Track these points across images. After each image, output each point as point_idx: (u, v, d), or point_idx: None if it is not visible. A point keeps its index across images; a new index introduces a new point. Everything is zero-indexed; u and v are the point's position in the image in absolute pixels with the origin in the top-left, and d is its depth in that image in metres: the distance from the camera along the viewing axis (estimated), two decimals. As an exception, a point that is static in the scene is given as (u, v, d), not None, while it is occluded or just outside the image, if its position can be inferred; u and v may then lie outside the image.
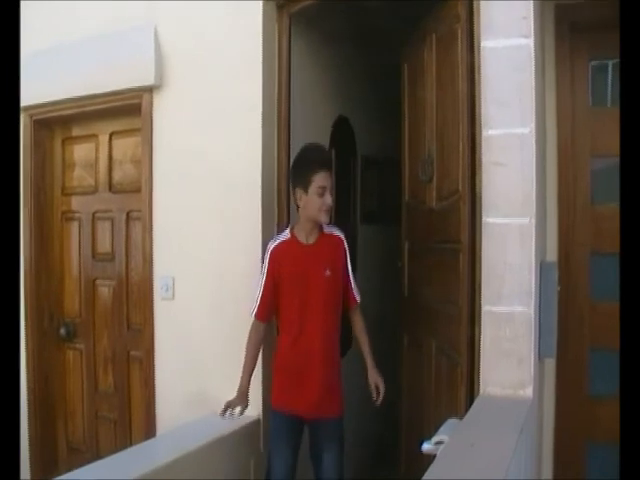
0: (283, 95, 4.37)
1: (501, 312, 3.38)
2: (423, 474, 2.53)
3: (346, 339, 5.39)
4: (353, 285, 3.98)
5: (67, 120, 5.30)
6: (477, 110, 3.50)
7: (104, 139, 5.21)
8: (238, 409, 3.86)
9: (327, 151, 4.01)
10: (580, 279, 4.19)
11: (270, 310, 3.81)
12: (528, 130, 3.39)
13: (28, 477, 5.28)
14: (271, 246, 3.80)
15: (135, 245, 5.00)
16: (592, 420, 4.20)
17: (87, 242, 5.36)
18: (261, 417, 4.14)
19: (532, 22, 3.32)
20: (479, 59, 3.45)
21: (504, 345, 3.39)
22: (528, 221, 3.37)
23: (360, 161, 5.97)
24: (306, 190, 3.69)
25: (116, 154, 5.17)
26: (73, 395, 5.47)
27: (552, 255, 4.09)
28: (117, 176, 5.17)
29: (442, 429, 3.33)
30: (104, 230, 5.27)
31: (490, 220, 3.41)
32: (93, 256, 5.33)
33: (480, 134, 3.47)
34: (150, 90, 4.58)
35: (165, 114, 4.56)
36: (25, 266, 5.27)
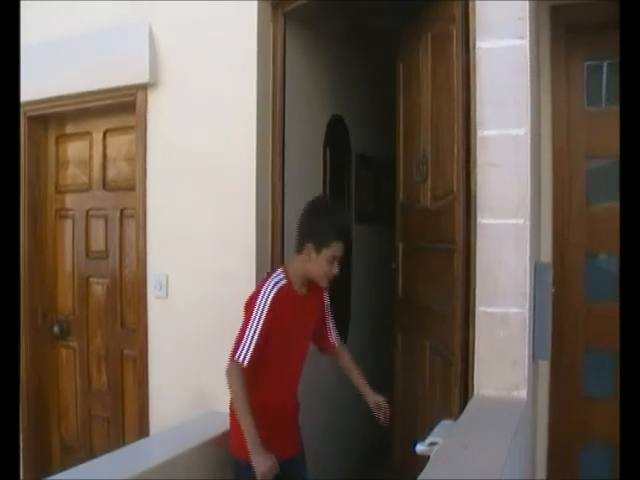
0: (278, 94, 4.36)
1: (495, 313, 3.38)
2: (417, 475, 2.54)
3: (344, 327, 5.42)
4: (333, 332, 3.90)
5: (61, 117, 5.30)
6: (472, 111, 3.49)
7: (98, 137, 5.20)
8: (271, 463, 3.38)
9: (349, 217, 3.77)
10: (575, 280, 4.19)
11: (256, 358, 3.47)
12: (523, 131, 3.39)
13: (21, 476, 5.27)
14: (271, 293, 3.51)
15: (129, 243, 4.99)
16: (586, 422, 4.21)
17: (81, 240, 5.35)
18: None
19: (528, 23, 3.32)
20: (474, 59, 3.44)
21: (498, 346, 3.38)
22: (523, 222, 3.37)
23: (355, 161, 5.96)
24: (318, 251, 3.50)
25: (110, 152, 5.16)
26: (66, 393, 5.47)
27: (547, 256, 4.10)
28: (111, 174, 5.16)
29: (436, 430, 3.33)
30: (98, 228, 5.26)
31: (485, 221, 3.40)
32: (87, 254, 5.32)
33: (475, 135, 3.47)
34: (144, 88, 4.57)
35: (159, 112, 4.55)
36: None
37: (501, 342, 3.38)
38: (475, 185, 3.45)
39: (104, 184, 5.20)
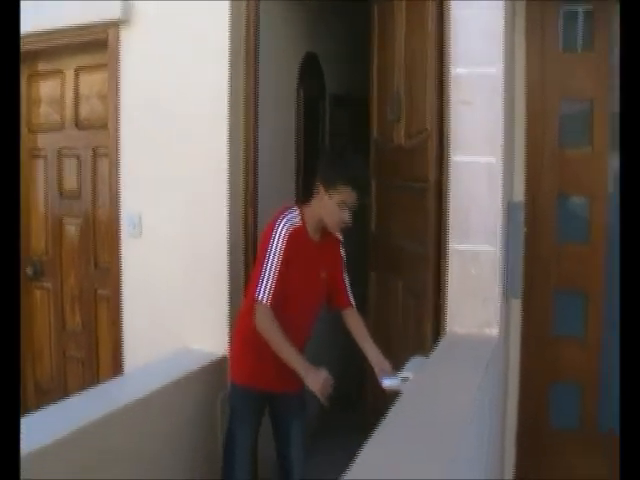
0: (251, 32, 4.30)
1: (467, 251, 3.41)
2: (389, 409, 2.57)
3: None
4: (348, 288, 3.83)
5: (33, 55, 5.18)
6: (446, 49, 3.49)
7: (70, 74, 5.12)
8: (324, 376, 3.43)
9: (363, 168, 3.69)
10: (546, 221, 4.21)
11: (277, 296, 3.47)
12: (496, 69, 3.39)
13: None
14: (285, 228, 3.48)
15: (102, 182, 4.93)
16: (556, 360, 4.26)
17: (53, 180, 5.29)
18: (227, 354, 4.11)
19: (504, -38, 3.31)
20: (448, -2, 3.43)
21: (470, 284, 3.42)
22: (495, 161, 3.39)
23: (329, 99, 5.93)
24: (329, 193, 3.48)
25: (83, 90, 5.08)
26: (40, 335, 5.45)
27: (519, 196, 4.11)
28: (84, 112, 5.09)
29: (407, 366, 3.37)
30: (71, 167, 5.20)
31: (457, 158, 3.42)
32: (60, 194, 5.27)
33: (448, 73, 3.46)
34: (117, 25, 4.49)
35: (132, 50, 4.48)
36: (-11, 205, 5.19)
37: (473, 279, 3.42)
38: (448, 123, 3.46)
39: (77, 123, 5.13)
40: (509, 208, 3.64)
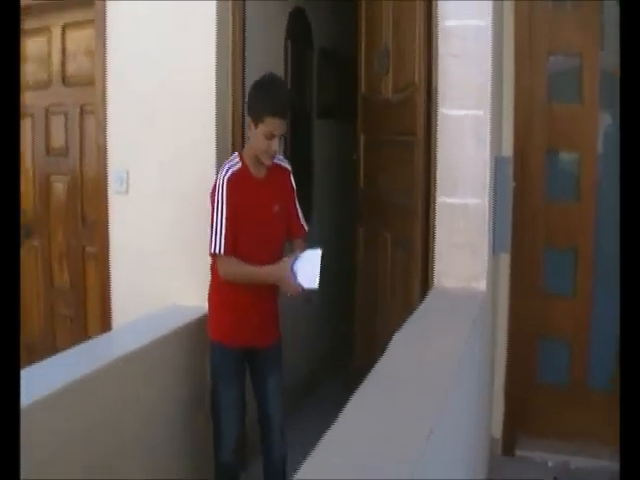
0: (238, -15, 4.27)
1: (455, 204, 3.41)
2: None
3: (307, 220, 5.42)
4: (300, 215, 3.79)
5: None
6: (434, 1, 3.46)
7: (57, 31, 5.08)
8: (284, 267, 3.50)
9: (287, 93, 3.66)
10: (535, 177, 4.23)
11: (233, 243, 3.49)
12: (484, 22, 3.38)
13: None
14: (225, 176, 3.52)
15: (89, 140, 4.90)
16: (544, 316, 4.29)
17: (40, 138, 5.26)
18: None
19: None
20: (436, -52, 3.41)
21: (458, 237, 3.42)
22: (483, 114, 3.38)
23: (317, 53, 5.89)
24: (255, 125, 3.46)
25: (70, 47, 5.04)
26: (29, 293, 5.42)
27: (508, 151, 4.10)
28: (71, 69, 5.05)
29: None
30: (58, 125, 5.16)
31: (445, 111, 3.41)
32: (47, 152, 5.25)
33: (436, 25, 3.44)
34: (103, -21, 4.45)
35: (119, 5, 4.44)
36: (-25, 164, 5.17)
37: (461, 233, 3.42)
38: (436, 76, 3.44)
39: (64, 80, 5.09)
40: (497, 162, 3.64)
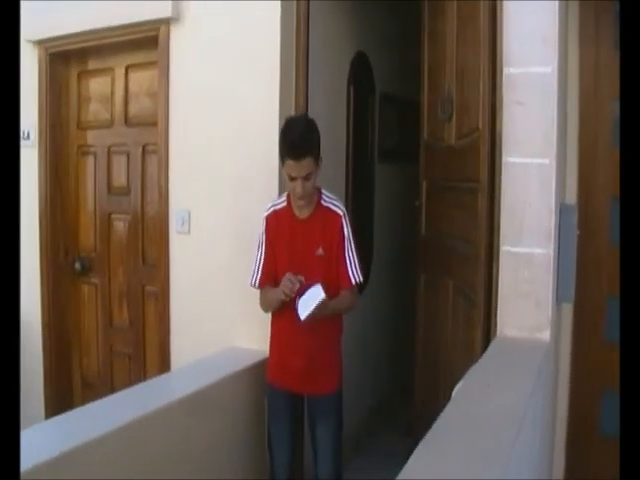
0: (302, 30, 4.28)
1: (520, 253, 3.36)
2: (439, 412, 2.54)
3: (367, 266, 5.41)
4: (350, 264, 3.64)
5: (83, 53, 5.25)
6: (499, 47, 3.44)
7: (120, 72, 5.16)
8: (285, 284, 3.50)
9: (306, 134, 3.55)
10: (600, 224, 4.15)
11: (272, 279, 3.62)
12: (550, 69, 3.35)
13: (42, 411, 5.33)
14: (266, 214, 3.68)
15: (151, 179, 4.97)
16: (608, 366, 4.19)
17: (102, 176, 5.33)
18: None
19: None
20: (502, -5, 3.39)
21: (522, 287, 3.37)
22: (549, 162, 3.34)
23: (379, 98, 5.91)
24: (284, 169, 3.53)
25: (132, 87, 5.12)
26: (88, 330, 5.50)
27: (572, 199, 4.05)
28: (133, 109, 5.13)
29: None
30: (120, 164, 5.23)
31: (510, 159, 3.38)
32: (108, 190, 5.31)
33: (501, 72, 3.42)
34: (167, 22, 4.51)
35: (182, 47, 4.50)
36: (40, 201, 5.27)
37: (525, 282, 3.37)
38: (501, 123, 3.42)
39: (126, 120, 5.17)
40: (562, 210, 3.59)
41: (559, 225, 3.53)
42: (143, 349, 5.13)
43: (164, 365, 4.65)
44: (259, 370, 3.94)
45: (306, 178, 3.47)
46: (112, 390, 4.75)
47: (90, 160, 5.40)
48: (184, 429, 3.45)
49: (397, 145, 6.29)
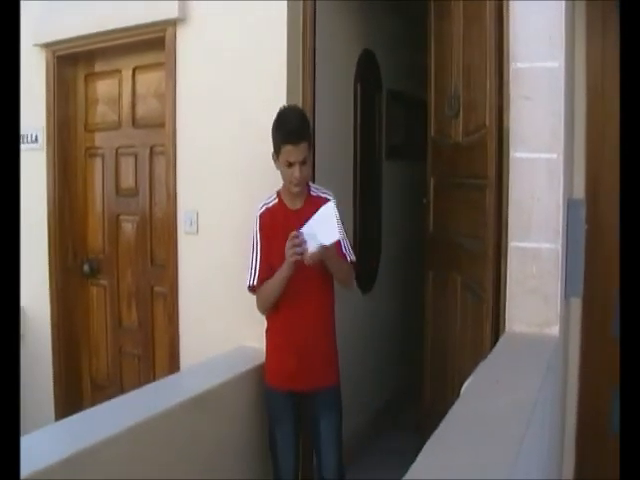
0: (308, 29, 4.28)
1: (528, 248, 3.36)
2: (448, 409, 2.54)
3: (368, 277, 5.41)
4: (343, 245, 3.63)
5: (90, 55, 5.27)
6: (505, 46, 3.44)
7: (127, 74, 5.17)
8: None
9: (301, 120, 3.65)
10: (608, 219, 4.13)
11: (270, 275, 3.59)
12: (557, 64, 3.34)
13: (52, 413, 5.34)
14: (259, 213, 3.70)
15: (159, 180, 4.97)
16: (617, 361, 4.18)
17: (110, 178, 5.34)
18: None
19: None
20: (508, -9, 3.39)
21: (530, 282, 3.37)
22: (556, 157, 3.33)
23: (385, 96, 5.92)
24: (277, 157, 3.58)
25: (139, 89, 5.13)
26: (97, 331, 5.51)
27: (580, 193, 4.04)
28: (140, 111, 5.14)
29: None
30: (127, 166, 5.24)
31: (517, 155, 3.37)
32: (117, 192, 5.32)
33: (508, 68, 3.42)
34: (174, 24, 4.52)
35: (189, 48, 4.51)
36: (48, 203, 5.29)
37: (533, 278, 3.36)
38: (508, 119, 3.42)
39: (133, 121, 5.18)
40: (570, 205, 3.59)
41: (567, 220, 3.52)
42: (152, 350, 5.13)
43: (173, 365, 4.65)
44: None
45: (303, 162, 3.53)
46: (122, 391, 4.75)
47: (98, 162, 5.42)
48: (194, 429, 3.46)
49: (404, 142, 6.30)
